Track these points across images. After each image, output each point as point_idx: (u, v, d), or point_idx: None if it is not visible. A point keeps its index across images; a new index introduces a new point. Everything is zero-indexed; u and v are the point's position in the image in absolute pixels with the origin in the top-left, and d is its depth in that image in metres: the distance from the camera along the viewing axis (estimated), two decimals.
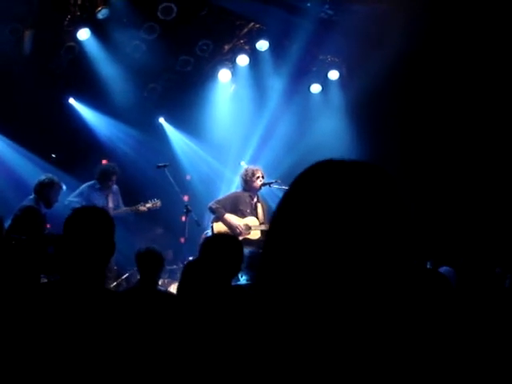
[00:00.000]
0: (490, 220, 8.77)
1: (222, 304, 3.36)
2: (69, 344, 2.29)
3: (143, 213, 8.51)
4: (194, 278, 3.64)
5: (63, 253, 2.56)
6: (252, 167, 8.08)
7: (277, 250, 1.07)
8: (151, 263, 4.73)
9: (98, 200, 8.19)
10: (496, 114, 8.76)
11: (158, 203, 8.42)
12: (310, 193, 1.05)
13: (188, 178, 10.82)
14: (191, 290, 3.55)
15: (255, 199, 7.96)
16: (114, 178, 8.45)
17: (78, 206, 7.63)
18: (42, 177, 7.60)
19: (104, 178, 8.38)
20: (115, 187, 8.56)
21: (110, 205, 8.35)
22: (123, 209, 8.41)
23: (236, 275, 4.06)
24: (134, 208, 8.40)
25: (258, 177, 7.86)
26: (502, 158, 8.84)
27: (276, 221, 1.09)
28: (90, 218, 2.62)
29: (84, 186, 8.39)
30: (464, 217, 9.09)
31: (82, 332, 2.33)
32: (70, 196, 8.24)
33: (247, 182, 7.87)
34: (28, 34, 8.64)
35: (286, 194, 1.10)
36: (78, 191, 8.33)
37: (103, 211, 2.79)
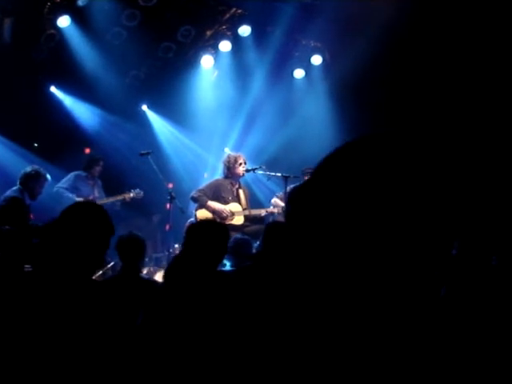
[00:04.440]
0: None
1: (208, 290, 3.37)
2: (51, 332, 2.30)
3: (127, 202, 8.52)
4: (179, 266, 3.64)
5: (54, 243, 2.55)
6: (234, 154, 8.09)
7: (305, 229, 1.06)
8: (132, 249, 4.69)
9: (84, 188, 8.25)
10: (481, 97, 8.78)
11: (141, 193, 8.46)
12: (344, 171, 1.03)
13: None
14: (176, 276, 3.56)
15: (236, 186, 7.97)
16: (101, 163, 8.57)
17: (66, 193, 7.72)
18: (28, 168, 7.53)
19: (91, 165, 8.48)
20: (99, 182, 8.60)
21: (96, 194, 8.38)
22: (110, 198, 8.40)
23: (222, 261, 4.06)
24: (120, 197, 8.40)
25: (241, 163, 7.87)
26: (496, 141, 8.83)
27: (306, 199, 1.07)
28: (91, 216, 2.61)
29: (71, 174, 8.42)
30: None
31: (64, 320, 2.33)
32: (59, 183, 8.23)
33: (229, 169, 7.88)
34: (7, 22, 8.52)
35: (317, 174, 1.07)
36: (65, 179, 8.34)
37: (102, 208, 2.77)
